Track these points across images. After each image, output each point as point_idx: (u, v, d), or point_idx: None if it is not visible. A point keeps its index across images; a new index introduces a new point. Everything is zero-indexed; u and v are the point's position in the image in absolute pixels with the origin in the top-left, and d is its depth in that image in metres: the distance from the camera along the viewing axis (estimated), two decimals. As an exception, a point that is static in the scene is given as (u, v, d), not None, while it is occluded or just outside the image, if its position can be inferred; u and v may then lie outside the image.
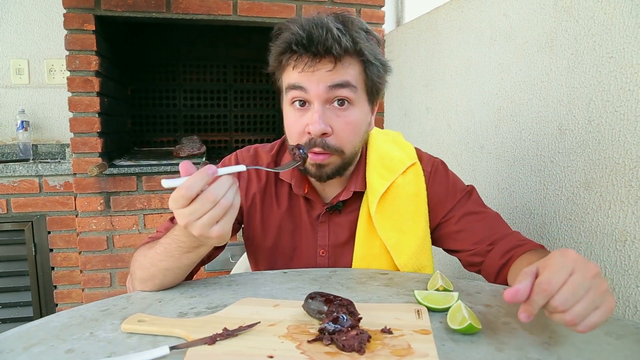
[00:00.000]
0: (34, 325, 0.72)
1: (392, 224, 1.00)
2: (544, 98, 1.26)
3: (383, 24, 2.39)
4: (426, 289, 0.84)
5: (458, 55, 1.70)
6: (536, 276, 0.60)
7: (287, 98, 0.92)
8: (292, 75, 0.89)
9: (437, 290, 0.81)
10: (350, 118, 0.90)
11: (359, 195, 1.02)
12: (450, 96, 1.76)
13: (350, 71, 0.88)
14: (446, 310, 0.72)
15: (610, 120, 1.05)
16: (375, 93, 0.95)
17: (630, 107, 1.00)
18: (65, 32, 2.01)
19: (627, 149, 1.01)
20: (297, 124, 0.91)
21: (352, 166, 1.01)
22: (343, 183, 1.02)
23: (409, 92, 2.14)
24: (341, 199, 1.01)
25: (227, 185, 0.70)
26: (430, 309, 0.74)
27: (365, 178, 1.02)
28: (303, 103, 0.90)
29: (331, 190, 1.03)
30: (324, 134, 0.88)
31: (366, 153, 1.04)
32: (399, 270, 1.00)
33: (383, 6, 2.37)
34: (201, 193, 0.67)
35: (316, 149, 0.89)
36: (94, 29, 2.02)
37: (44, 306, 2.32)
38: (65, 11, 2.00)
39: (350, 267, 1.02)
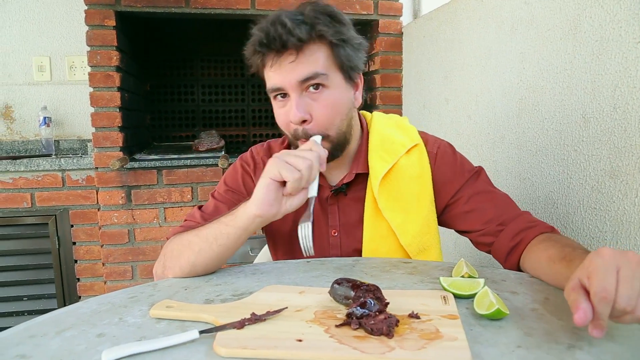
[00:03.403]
0: (65, 312, 0.74)
1: (397, 205, 1.02)
2: (567, 86, 1.24)
3: (401, 16, 2.38)
4: (451, 277, 0.83)
5: (478, 45, 1.68)
6: (583, 287, 0.58)
7: (270, 95, 0.98)
8: (268, 75, 0.95)
9: (462, 277, 0.81)
10: (328, 100, 0.93)
11: (364, 178, 1.04)
12: (470, 87, 1.75)
13: (317, 57, 0.91)
14: (472, 296, 0.72)
15: (637, 106, 1.03)
16: (351, 70, 0.97)
17: (658, 93, 0.98)
18: (86, 28, 2.04)
19: (655, 135, 0.99)
20: (281, 117, 0.97)
21: (352, 146, 1.04)
22: (347, 166, 1.05)
23: (428, 84, 2.13)
24: (345, 181, 1.04)
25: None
26: (456, 296, 0.74)
27: (367, 161, 1.04)
28: (284, 95, 0.94)
29: (337, 174, 1.05)
30: (304, 122, 0.92)
31: (368, 136, 1.07)
32: (404, 250, 1.01)
33: (400, -2, 2.36)
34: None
35: (303, 139, 0.93)
36: (114, 24, 2.05)
37: (68, 298, 2.37)
38: (86, 7, 2.03)
39: (361, 248, 1.03)
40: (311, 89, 0.92)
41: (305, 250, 0.87)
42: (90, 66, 2.06)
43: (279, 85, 0.93)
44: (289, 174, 0.80)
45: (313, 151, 0.84)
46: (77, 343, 0.62)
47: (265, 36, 0.89)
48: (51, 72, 2.61)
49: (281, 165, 0.80)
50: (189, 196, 2.22)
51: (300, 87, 0.91)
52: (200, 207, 1.06)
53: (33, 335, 0.65)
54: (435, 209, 1.05)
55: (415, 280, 0.84)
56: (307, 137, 0.92)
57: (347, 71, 0.96)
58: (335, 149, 0.97)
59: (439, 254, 1.05)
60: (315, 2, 0.93)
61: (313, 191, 0.87)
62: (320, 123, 0.93)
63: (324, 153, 0.86)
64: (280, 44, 0.88)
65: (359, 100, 1.03)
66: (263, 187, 0.82)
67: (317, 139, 0.92)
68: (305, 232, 0.86)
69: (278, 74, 0.92)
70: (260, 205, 0.82)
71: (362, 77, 1.03)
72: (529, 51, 1.39)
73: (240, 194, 1.05)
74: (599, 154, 1.14)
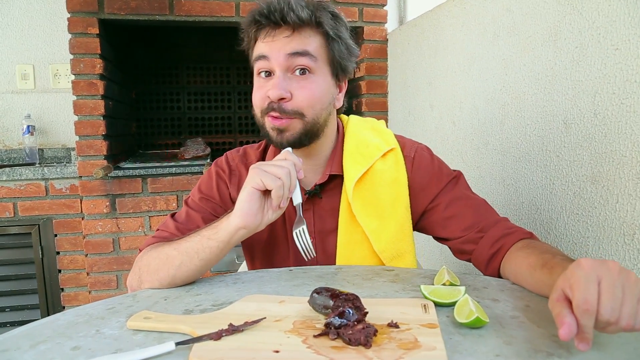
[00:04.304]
0: (41, 324, 0.72)
1: (372, 210, 1.01)
2: (548, 92, 1.25)
3: (386, 22, 2.39)
4: (432, 284, 0.83)
5: (461, 52, 1.69)
6: (566, 298, 0.57)
7: (255, 71, 0.97)
8: (258, 47, 0.95)
9: (444, 285, 0.81)
10: (311, 85, 0.94)
11: (338, 182, 1.03)
12: (454, 93, 1.76)
13: (311, 42, 0.93)
14: (453, 304, 0.71)
15: (617, 112, 1.04)
16: (340, 70, 0.99)
17: (636, 99, 0.99)
18: (70, 36, 2.02)
19: (634, 141, 1.00)
20: (259, 91, 0.95)
21: (327, 148, 1.04)
22: (321, 169, 1.04)
23: (413, 91, 2.13)
24: (318, 182, 1.03)
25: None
26: (437, 304, 0.73)
27: (342, 164, 1.03)
28: (268, 74, 0.94)
29: (311, 178, 1.04)
30: (282, 99, 0.91)
31: (343, 139, 1.06)
32: (378, 256, 1.01)
33: (385, 5, 2.37)
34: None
35: (273, 113, 0.92)
36: (97, 32, 2.04)
37: (51, 309, 2.33)
38: (69, 15, 2.01)
39: (335, 253, 1.03)
40: (297, 72, 0.92)
41: (306, 254, 0.90)
42: (74, 74, 2.05)
43: (266, 53, 0.92)
44: (271, 182, 0.80)
45: (288, 160, 0.84)
46: (51, 357, 0.61)
47: (267, 8, 0.91)
48: (35, 80, 2.58)
49: (262, 174, 0.81)
50: (174, 204, 2.21)
51: (287, 62, 0.91)
52: (173, 216, 1.04)
53: (6, 349, 0.64)
54: (410, 214, 1.04)
55: (397, 288, 0.84)
56: (281, 112, 0.91)
57: (336, 67, 0.97)
58: (306, 133, 0.95)
59: (413, 260, 1.04)
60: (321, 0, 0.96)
61: (298, 198, 0.90)
62: (298, 103, 0.92)
63: (298, 161, 0.85)
64: (280, 17, 0.90)
65: (340, 102, 1.03)
66: (246, 196, 0.82)
67: (289, 149, 0.92)
68: (302, 236, 0.90)
69: (268, 46, 0.92)
70: (244, 216, 0.82)
71: (347, 82, 1.04)
72: (511, 58, 1.40)
73: (215, 201, 1.04)
74: (581, 159, 1.15)
